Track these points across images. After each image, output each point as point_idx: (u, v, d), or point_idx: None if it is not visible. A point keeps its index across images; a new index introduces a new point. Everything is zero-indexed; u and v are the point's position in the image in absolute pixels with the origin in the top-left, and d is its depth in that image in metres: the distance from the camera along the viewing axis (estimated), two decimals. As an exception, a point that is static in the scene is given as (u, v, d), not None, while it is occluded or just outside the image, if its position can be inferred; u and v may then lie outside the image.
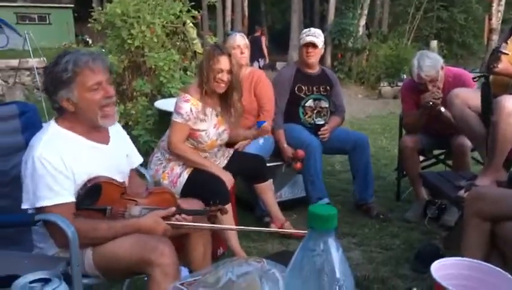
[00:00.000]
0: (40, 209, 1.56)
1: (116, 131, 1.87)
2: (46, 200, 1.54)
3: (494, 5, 11.07)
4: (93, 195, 1.63)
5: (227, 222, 2.35)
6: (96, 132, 1.73)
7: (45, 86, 1.67)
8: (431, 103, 2.98)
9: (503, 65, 2.34)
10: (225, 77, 2.48)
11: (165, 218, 1.69)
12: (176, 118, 2.51)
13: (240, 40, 3.16)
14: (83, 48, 3.90)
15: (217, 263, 0.86)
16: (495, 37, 10.66)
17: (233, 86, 2.53)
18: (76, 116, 1.66)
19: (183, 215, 1.79)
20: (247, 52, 3.19)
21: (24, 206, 1.58)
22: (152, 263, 1.51)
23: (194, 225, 1.83)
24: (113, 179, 1.69)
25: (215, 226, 2.02)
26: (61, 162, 1.57)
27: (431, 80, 2.98)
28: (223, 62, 2.47)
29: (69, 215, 1.56)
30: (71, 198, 1.59)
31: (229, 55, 2.51)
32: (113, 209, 1.65)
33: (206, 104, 2.53)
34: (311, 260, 0.60)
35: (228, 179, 2.54)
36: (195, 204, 1.98)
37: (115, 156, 1.79)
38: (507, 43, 2.37)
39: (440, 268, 0.94)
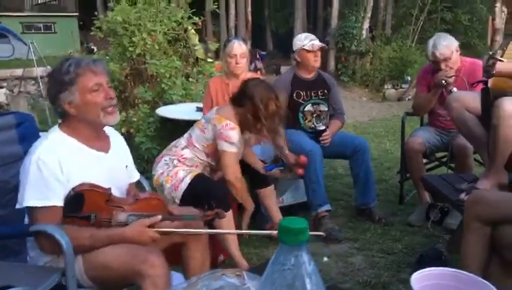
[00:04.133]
0: (28, 210, 1.58)
1: (118, 142, 1.87)
2: (34, 201, 1.56)
3: (498, 4, 10.90)
4: (76, 203, 1.61)
5: (227, 228, 2.35)
6: (96, 140, 1.73)
7: (48, 91, 1.70)
8: (444, 82, 3.08)
9: (502, 66, 2.32)
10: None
11: (153, 225, 1.65)
12: (229, 148, 2.51)
13: (237, 49, 3.15)
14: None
15: (198, 275, 0.86)
16: (499, 38, 10.51)
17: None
18: (79, 120, 1.67)
19: (175, 222, 1.76)
20: (243, 62, 3.20)
21: (17, 206, 1.60)
22: (142, 275, 1.49)
23: (185, 231, 1.79)
24: (96, 186, 1.66)
25: (208, 231, 1.96)
26: (58, 167, 1.58)
27: (444, 58, 3.11)
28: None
29: (56, 219, 1.57)
30: (59, 203, 1.59)
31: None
32: (98, 216, 1.63)
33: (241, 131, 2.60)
34: (281, 275, 0.59)
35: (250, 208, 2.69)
36: (190, 212, 1.94)
37: (114, 165, 1.79)
38: (504, 50, 2.37)
39: (421, 279, 0.90)
